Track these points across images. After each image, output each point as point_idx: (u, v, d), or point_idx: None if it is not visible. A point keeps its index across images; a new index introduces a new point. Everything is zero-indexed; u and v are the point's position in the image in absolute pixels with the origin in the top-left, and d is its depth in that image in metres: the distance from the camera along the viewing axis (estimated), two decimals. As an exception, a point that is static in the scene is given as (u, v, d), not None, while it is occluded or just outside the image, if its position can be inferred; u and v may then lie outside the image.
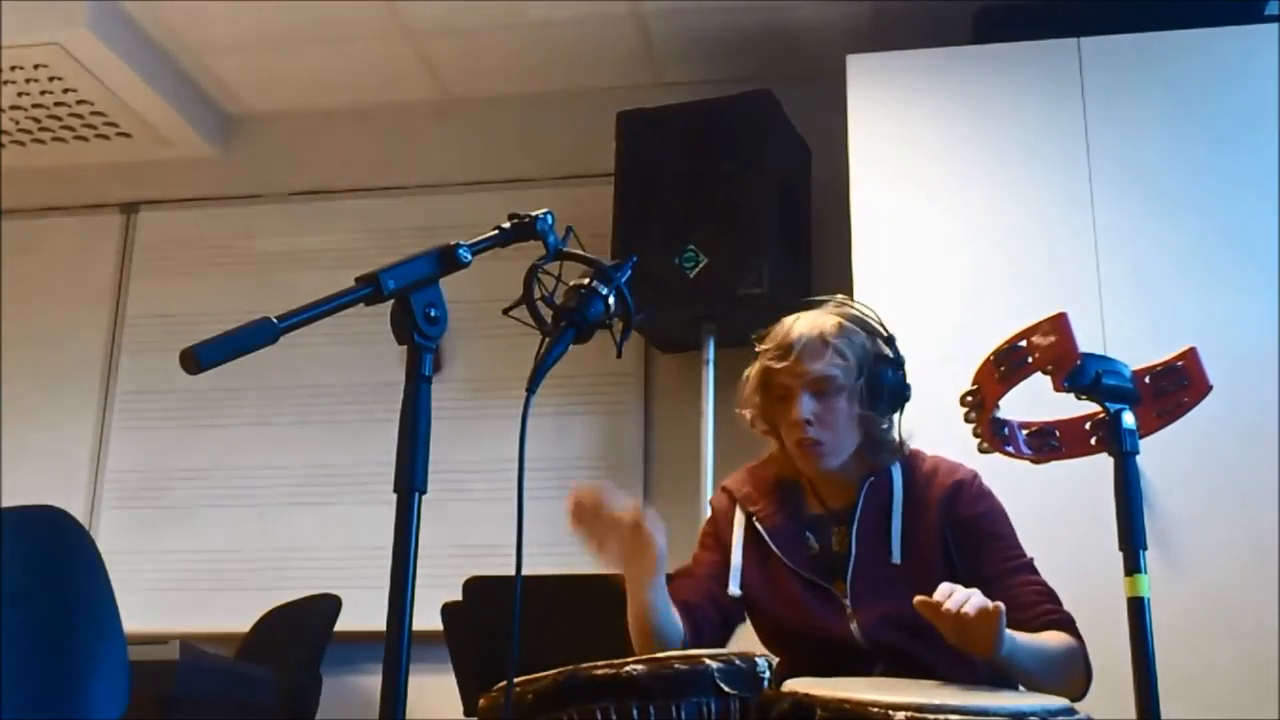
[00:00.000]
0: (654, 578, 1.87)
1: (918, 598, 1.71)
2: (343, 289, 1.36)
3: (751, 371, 2.06)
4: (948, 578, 1.95)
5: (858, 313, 2.05)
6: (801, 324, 2.00)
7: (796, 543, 2.03)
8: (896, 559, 1.97)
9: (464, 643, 2.80)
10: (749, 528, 2.07)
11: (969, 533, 1.98)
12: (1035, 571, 1.98)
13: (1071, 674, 1.85)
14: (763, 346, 2.03)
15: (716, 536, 2.11)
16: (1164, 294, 3.06)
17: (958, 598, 1.67)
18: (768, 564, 2.04)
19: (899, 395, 2.03)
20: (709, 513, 2.21)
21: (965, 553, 1.97)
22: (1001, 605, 1.67)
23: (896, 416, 2.04)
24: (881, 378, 2.00)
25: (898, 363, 2.03)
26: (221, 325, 1.26)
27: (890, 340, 2.05)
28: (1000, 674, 1.82)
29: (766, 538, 2.04)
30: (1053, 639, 1.87)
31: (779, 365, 1.98)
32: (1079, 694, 1.85)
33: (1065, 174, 3.20)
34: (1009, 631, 1.71)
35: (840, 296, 2.11)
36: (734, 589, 2.02)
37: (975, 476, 2.04)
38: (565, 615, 2.37)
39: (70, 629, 1.90)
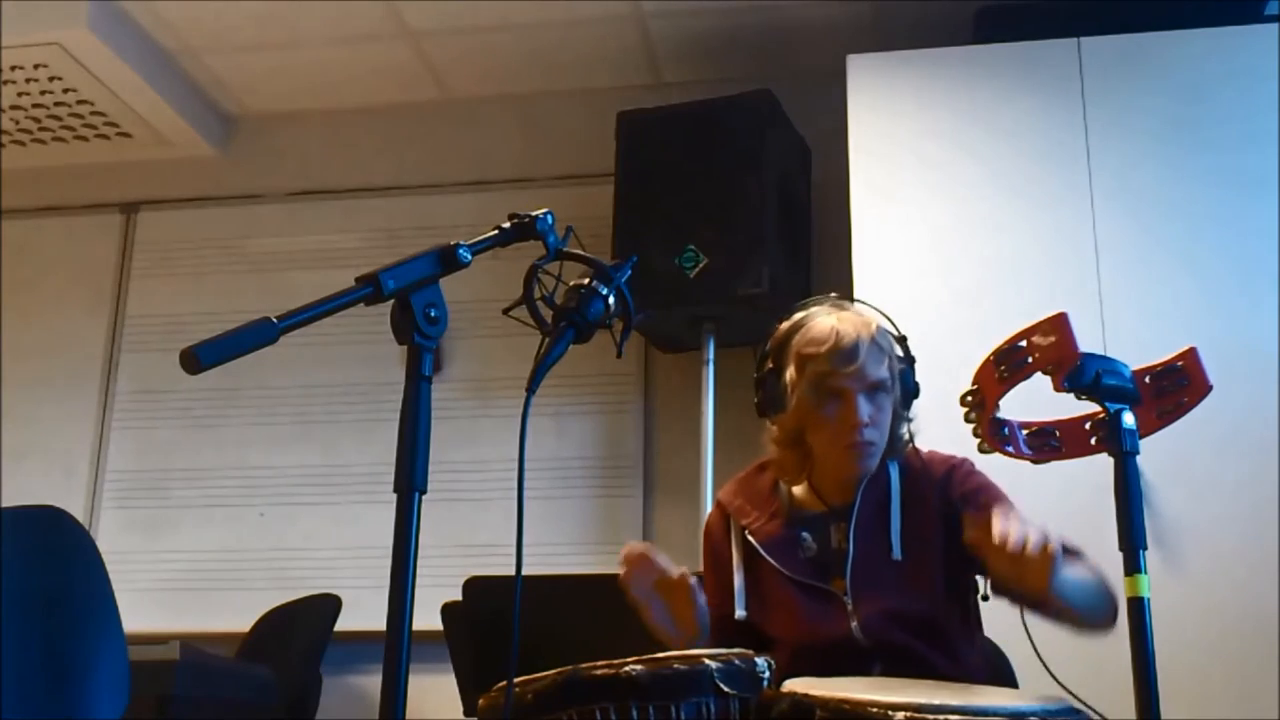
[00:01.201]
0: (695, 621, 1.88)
1: (970, 530, 1.69)
2: (343, 289, 1.36)
3: (795, 376, 2.00)
4: (948, 571, 1.96)
5: (875, 312, 2.07)
6: (849, 326, 1.98)
7: (792, 548, 2.03)
8: (897, 554, 1.97)
9: (464, 643, 2.80)
10: (743, 543, 2.06)
11: (966, 505, 1.98)
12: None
13: (1107, 602, 1.86)
14: (813, 350, 1.98)
15: (715, 561, 2.11)
16: (1164, 294, 3.06)
17: (1017, 537, 1.62)
18: (763, 577, 2.03)
19: (916, 394, 2.06)
20: (707, 513, 2.20)
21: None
22: (1058, 547, 1.63)
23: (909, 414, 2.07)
24: (907, 378, 2.04)
25: (913, 362, 2.06)
26: (221, 325, 1.26)
27: (903, 340, 2.07)
28: (1045, 610, 1.80)
29: (760, 550, 2.03)
30: (1083, 570, 1.86)
31: (845, 369, 1.96)
32: (1114, 618, 1.84)
33: (1065, 174, 3.20)
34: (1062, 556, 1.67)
35: (835, 295, 2.11)
36: (740, 612, 2.02)
37: (966, 460, 2.06)
38: (565, 615, 2.37)
39: (70, 629, 1.90)
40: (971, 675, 1.94)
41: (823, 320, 2.01)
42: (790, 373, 2.00)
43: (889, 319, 2.07)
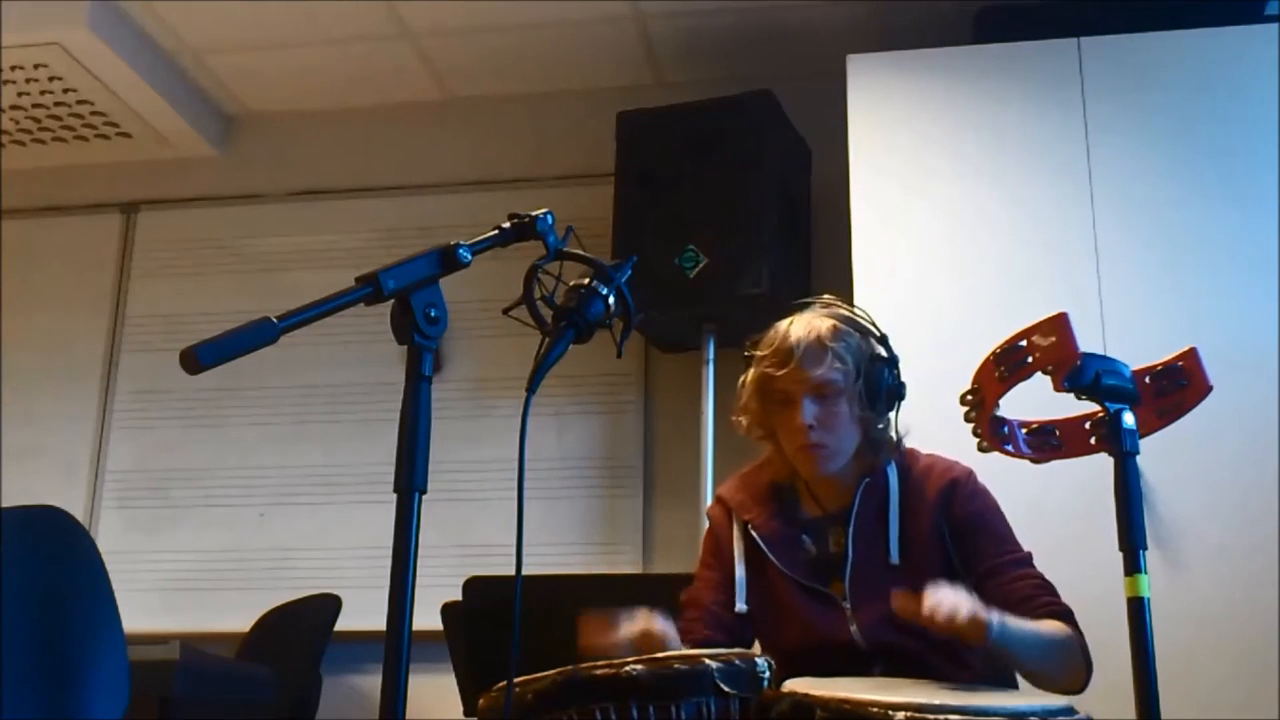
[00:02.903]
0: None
1: (895, 598, 1.71)
2: (343, 289, 1.36)
3: (747, 378, 2.05)
4: (945, 576, 1.95)
5: (850, 314, 2.05)
6: (798, 328, 1.99)
7: (793, 548, 2.03)
8: (895, 559, 1.97)
9: (464, 643, 2.80)
10: (746, 537, 2.06)
11: (964, 530, 1.98)
12: (1032, 565, 1.98)
13: (1069, 664, 1.85)
14: (759, 353, 2.01)
15: (717, 552, 2.10)
16: (1164, 294, 3.06)
17: (945, 610, 1.67)
18: (766, 574, 2.03)
19: (895, 394, 2.03)
20: (707, 513, 2.20)
21: (961, 550, 1.97)
22: (989, 617, 1.68)
23: (892, 415, 2.04)
24: (878, 378, 2.00)
25: (892, 362, 2.04)
26: (221, 325, 1.27)
27: (883, 339, 2.05)
28: (997, 663, 1.81)
29: (763, 546, 2.03)
30: (1048, 626, 1.86)
31: (779, 372, 1.97)
32: (1079, 686, 1.85)
33: (1065, 174, 3.20)
34: (999, 617, 1.71)
35: (828, 297, 2.10)
36: (740, 605, 2.02)
37: (970, 474, 2.05)
38: (565, 615, 2.37)
39: (70, 629, 1.90)
40: (973, 677, 1.94)
41: (781, 323, 2.03)
42: (747, 375, 2.04)
43: (867, 317, 2.05)
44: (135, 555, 3.91)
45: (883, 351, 2.04)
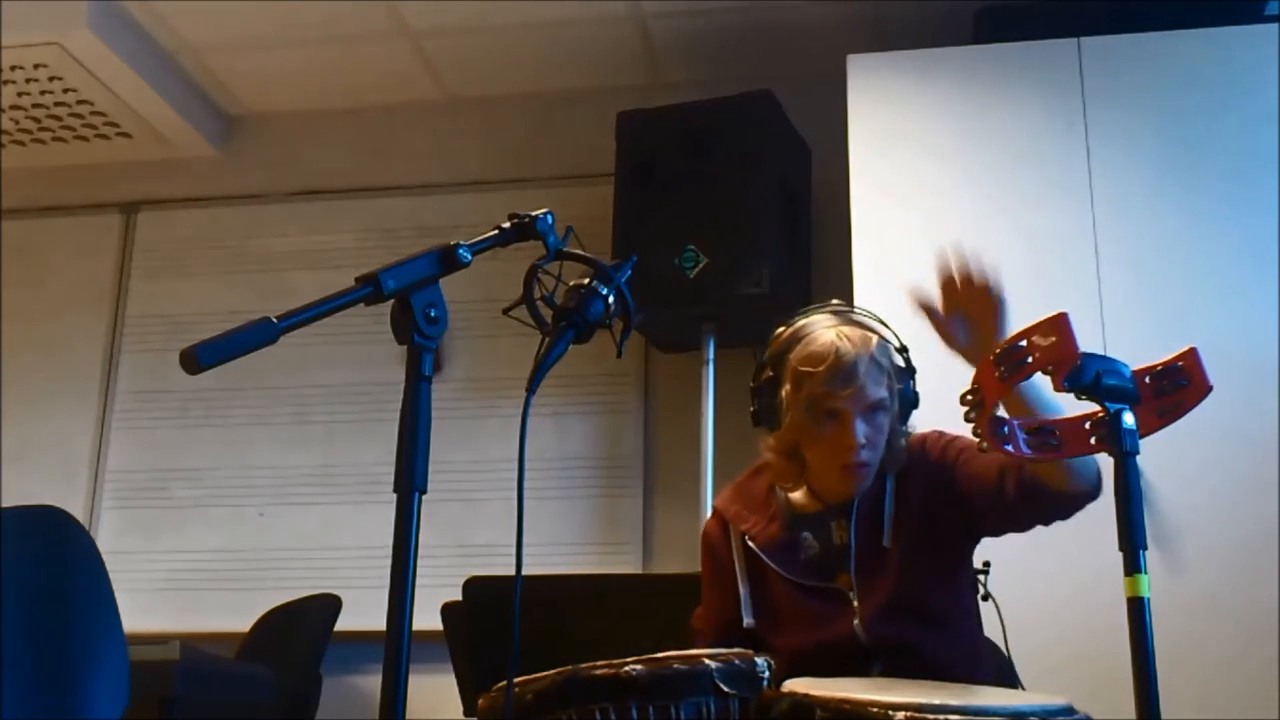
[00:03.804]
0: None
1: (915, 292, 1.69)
2: (343, 289, 1.36)
3: (791, 393, 1.96)
4: (936, 553, 1.95)
5: (877, 323, 2.03)
6: (847, 344, 1.93)
7: (793, 550, 2.02)
8: (886, 542, 1.96)
9: (464, 643, 2.80)
10: (745, 549, 2.05)
11: (945, 467, 1.98)
12: None
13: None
14: (808, 369, 1.93)
15: (717, 571, 2.09)
16: (1164, 294, 3.06)
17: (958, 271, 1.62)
18: (768, 583, 2.02)
19: (915, 405, 2.03)
20: (708, 513, 2.19)
21: (951, 483, 1.96)
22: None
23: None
24: (907, 391, 2.00)
25: (913, 373, 2.03)
26: (221, 325, 1.27)
27: (903, 349, 2.03)
28: (1020, 405, 1.77)
29: (762, 555, 2.02)
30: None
31: (843, 390, 1.91)
32: (1091, 485, 1.83)
33: (1065, 174, 3.20)
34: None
35: (837, 301, 2.08)
36: (748, 620, 2.00)
37: (933, 430, 2.05)
38: (565, 615, 2.37)
39: (70, 629, 1.90)
40: (973, 659, 1.93)
41: (823, 336, 1.95)
42: (787, 388, 1.97)
43: (890, 329, 2.03)
44: (135, 555, 3.91)
45: (903, 363, 2.02)
